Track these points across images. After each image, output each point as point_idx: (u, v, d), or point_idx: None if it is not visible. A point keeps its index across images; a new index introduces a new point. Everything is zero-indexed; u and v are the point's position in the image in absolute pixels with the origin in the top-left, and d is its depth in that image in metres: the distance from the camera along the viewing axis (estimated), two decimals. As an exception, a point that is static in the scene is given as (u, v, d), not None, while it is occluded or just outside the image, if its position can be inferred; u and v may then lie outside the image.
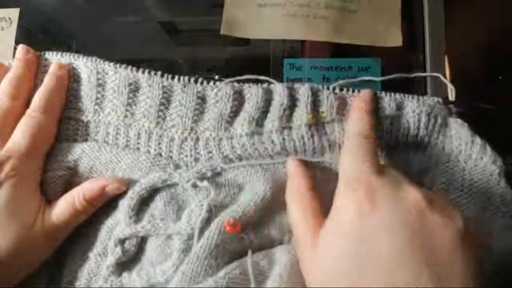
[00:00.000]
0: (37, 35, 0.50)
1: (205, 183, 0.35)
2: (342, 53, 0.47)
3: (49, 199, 0.35)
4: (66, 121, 0.37)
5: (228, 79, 0.38)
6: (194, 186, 0.36)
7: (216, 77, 0.43)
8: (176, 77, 0.37)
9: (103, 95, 0.37)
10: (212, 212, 0.34)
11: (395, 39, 0.47)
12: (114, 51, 0.52)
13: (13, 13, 0.50)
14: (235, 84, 0.37)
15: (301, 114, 0.36)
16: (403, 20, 0.47)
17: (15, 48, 0.49)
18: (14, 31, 0.49)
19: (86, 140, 0.37)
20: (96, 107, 0.37)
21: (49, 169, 0.36)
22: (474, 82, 0.42)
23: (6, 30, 0.49)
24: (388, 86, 0.37)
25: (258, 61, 0.50)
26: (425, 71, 0.44)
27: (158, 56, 0.50)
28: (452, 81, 0.39)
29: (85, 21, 0.51)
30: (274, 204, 0.34)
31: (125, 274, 0.34)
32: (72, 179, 0.36)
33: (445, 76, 0.40)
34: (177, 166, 0.37)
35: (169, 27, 0.51)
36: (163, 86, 0.37)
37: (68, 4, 0.52)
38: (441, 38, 0.45)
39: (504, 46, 0.50)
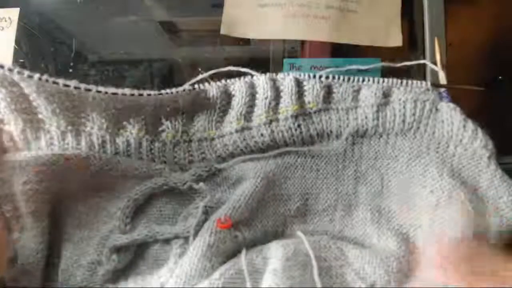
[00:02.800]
0: (37, 35, 0.50)
1: (201, 184, 0.35)
2: (342, 53, 0.47)
3: (35, 213, 0.33)
4: (33, 128, 0.35)
5: (209, 72, 0.38)
6: (190, 188, 0.35)
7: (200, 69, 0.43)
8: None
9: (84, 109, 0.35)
10: (208, 214, 0.34)
11: (395, 39, 0.47)
12: (114, 51, 0.52)
13: (13, 13, 0.50)
14: (219, 83, 0.37)
15: (287, 106, 0.36)
16: (403, 20, 0.47)
17: (15, 48, 0.49)
18: (14, 31, 0.49)
19: (65, 149, 0.35)
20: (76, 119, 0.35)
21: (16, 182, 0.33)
22: (474, 82, 0.42)
23: (6, 30, 0.49)
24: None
25: (258, 61, 0.50)
26: (425, 71, 0.44)
27: (158, 56, 0.50)
28: (452, 81, 0.39)
29: (85, 21, 0.51)
30: (267, 196, 0.34)
31: (121, 281, 0.33)
32: (60, 191, 0.35)
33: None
34: (172, 170, 0.36)
35: (169, 27, 0.51)
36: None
37: (68, 4, 0.52)
38: (441, 38, 0.45)
39: (504, 47, 0.50)
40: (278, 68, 0.47)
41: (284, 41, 0.48)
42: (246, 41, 0.48)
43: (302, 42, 0.48)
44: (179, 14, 0.51)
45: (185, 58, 0.49)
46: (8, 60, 0.48)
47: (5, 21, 0.49)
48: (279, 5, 0.48)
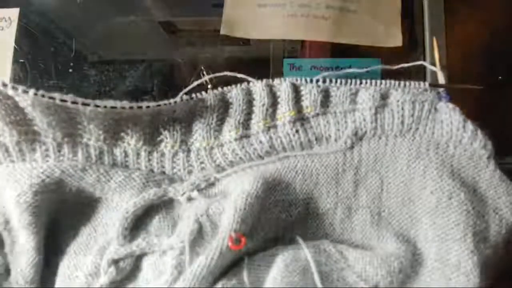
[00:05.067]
0: (37, 35, 0.50)
1: (196, 194, 0.35)
2: (342, 53, 0.47)
3: (29, 226, 0.33)
4: (29, 140, 0.35)
5: (204, 78, 0.38)
6: (189, 199, 0.35)
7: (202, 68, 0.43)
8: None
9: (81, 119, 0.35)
10: (202, 224, 0.33)
11: (395, 39, 0.47)
12: (114, 51, 0.52)
13: (13, 13, 0.50)
14: (216, 91, 0.37)
15: (284, 112, 0.36)
16: (403, 20, 0.47)
17: (15, 48, 0.49)
18: (14, 31, 0.49)
19: (60, 160, 0.35)
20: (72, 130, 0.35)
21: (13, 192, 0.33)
22: (474, 83, 0.42)
23: (6, 30, 0.49)
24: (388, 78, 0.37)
25: (258, 61, 0.50)
26: (425, 71, 0.44)
27: (158, 56, 0.50)
28: (451, 82, 0.39)
29: (85, 21, 0.51)
30: (268, 203, 0.34)
31: None
32: (55, 203, 0.35)
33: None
34: (171, 181, 0.36)
35: (169, 27, 0.51)
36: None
37: (68, 4, 0.52)
38: (441, 38, 0.45)
39: (504, 46, 0.50)
40: (278, 68, 0.47)
41: (284, 41, 0.48)
42: (246, 41, 0.48)
43: (302, 42, 0.48)
44: (179, 14, 0.51)
45: (185, 58, 0.49)
46: (8, 60, 0.48)
47: (5, 21, 0.49)
48: (279, 5, 0.48)
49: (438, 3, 0.46)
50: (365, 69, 0.40)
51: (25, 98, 0.32)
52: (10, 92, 0.32)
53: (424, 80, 0.43)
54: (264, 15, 0.48)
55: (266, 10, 0.48)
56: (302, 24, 0.47)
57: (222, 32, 0.48)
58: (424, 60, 0.45)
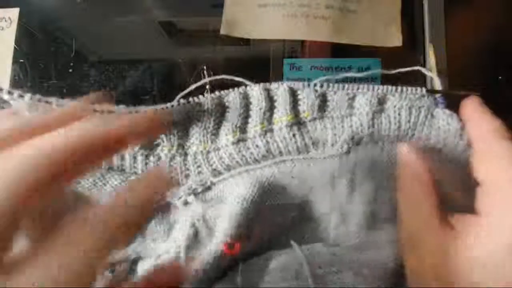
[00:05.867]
0: (37, 35, 0.50)
1: (193, 198, 0.35)
2: (342, 53, 0.47)
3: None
4: None
5: (206, 79, 0.38)
6: (185, 203, 0.35)
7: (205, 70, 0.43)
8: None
9: None
10: (198, 228, 0.33)
11: (395, 39, 0.47)
12: (114, 51, 0.52)
13: (13, 13, 0.50)
14: (213, 95, 0.37)
15: (281, 116, 0.36)
16: (403, 20, 0.47)
17: (15, 48, 0.49)
18: (14, 31, 0.49)
19: None
20: None
21: None
22: (474, 82, 0.42)
23: (6, 30, 0.49)
24: (388, 82, 0.37)
25: (258, 61, 0.50)
26: (425, 73, 0.43)
27: (158, 56, 0.50)
28: (451, 82, 0.39)
29: (85, 21, 0.51)
30: (264, 207, 0.34)
31: None
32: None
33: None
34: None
35: (169, 27, 0.51)
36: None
37: (68, 4, 0.52)
38: (441, 38, 0.45)
39: (504, 46, 0.50)
40: (278, 68, 0.47)
41: (284, 41, 0.48)
42: (246, 41, 0.48)
43: (302, 42, 0.48)
44: (179, 14, 0.51)
45: (185, 58, 0.49)
46: (8, 60, 0.49)
47: (5, 21, 0.49)
48: (279, 5, 0.48)
49: (438, 4, 0.46)
50: (363, 73, 0.39)
51: (22, 103, 0.32)
52: (6, 96, 0.32)
53: (424, 81, 0.43)
54: (264, 15, 0.48)
55: (266, 10, 0.48)
56: (302, 24, 0.47)
57: (222, 32, 0.48)
58: (424, 61, 0.45)
